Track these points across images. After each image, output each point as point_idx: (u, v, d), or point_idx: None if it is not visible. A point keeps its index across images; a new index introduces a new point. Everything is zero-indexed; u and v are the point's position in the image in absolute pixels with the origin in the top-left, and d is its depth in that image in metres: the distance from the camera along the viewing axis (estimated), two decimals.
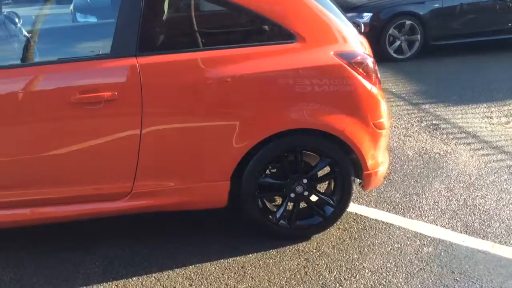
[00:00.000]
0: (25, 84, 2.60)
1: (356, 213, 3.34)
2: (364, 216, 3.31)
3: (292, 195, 2.96)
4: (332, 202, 3.03)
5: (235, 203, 2.93)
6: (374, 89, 2.90)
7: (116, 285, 2.63)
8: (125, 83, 2.62)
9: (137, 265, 2.80)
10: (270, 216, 2.99)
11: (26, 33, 3.03)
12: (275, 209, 3.02)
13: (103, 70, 2.63)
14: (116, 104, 2.62)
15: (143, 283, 2.65)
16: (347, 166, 2.96)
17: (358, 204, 3.47)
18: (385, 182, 3.76)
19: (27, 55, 2.92)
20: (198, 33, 2.87)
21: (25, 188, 2.70)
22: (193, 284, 2.64)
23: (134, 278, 2.69)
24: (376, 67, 2.96)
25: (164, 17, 2.78)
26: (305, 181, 2.95)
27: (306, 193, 2.98)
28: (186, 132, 2.75)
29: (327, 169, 3.03)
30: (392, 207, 3.42)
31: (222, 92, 2.71)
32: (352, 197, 3.10)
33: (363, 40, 3.11)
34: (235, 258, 2.86)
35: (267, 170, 2.99)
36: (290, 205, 3.04)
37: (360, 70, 2.83)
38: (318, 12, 2.85)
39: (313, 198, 3.05)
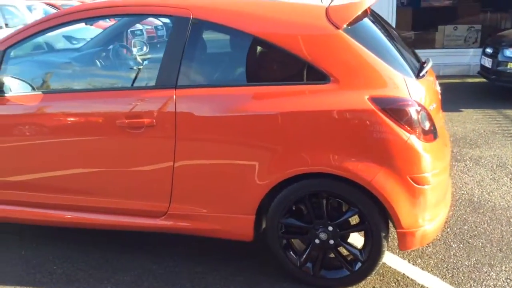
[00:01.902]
0: (87, 107, 3.02)
1: (402, 273, 3.02)
2: (410, 279, 2.97)
3: (317, 241, 2.83)
4: (360, 257, 2.81)
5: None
6: (414, 140, 2.62)
7: None
8: (162, 112, 2.85)
9: (164, 282, 2.99)
10: (294, 259, 2.91)
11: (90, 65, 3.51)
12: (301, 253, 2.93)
13: (147, 99, 2.91)
14: (154, 130, 2.87)
15: None
16: (377, 221, 2.72)
17: (411, 262, 3.13)
18: (461, 244, 3.30)
19: (91, 82, 3.37)
20: (231, 71, 2.98)
21: (78, 194, 3.13)
22: None
23: None
24: (426, 117, 2.68)
25: (202, 55, 2.94)
26: (330, 228, 2.81)
27: (331, 241, 2.82)
28: (214, 163, 2.86)
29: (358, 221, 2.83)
30: (451, 275, 3.00)
31: (247, 128, 2.76)
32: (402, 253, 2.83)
33: (424, 86, 2.82)
34: None
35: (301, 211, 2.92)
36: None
37: (396, 118, 2.60)
38: (357, 53, 2.70)
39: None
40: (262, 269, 3.07)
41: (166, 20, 3.02)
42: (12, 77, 3.11)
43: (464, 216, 3.71)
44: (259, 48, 2.86)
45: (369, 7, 3.22)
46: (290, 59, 2.76)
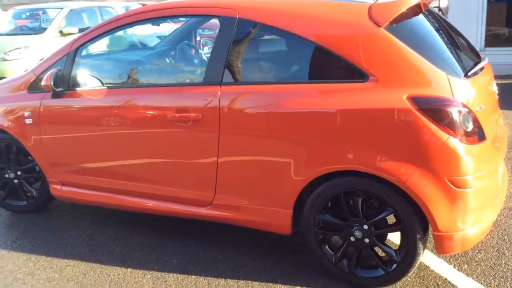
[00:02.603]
0: (144, 101, 3.27)
1: (444, 277, 2.94)
2: (451, 284, 2.88)
3: (352, 239, 2.85)
4: (395, 257, 2.78)
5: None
6: (454, 141, 2.54)
7: (176, 277, 3.06)
8: (207, 107, 3.01)
9: (207, 267, 3.17)
10: (330, 255, 2.94)
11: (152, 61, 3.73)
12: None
13: (195, 94, 3.08)
14: (200, 124, 3.04)
15: (197, 283, 3.01)
16: (412, 222, 2.67)
17: (456, 267, 3.02)
18: None
19: (150, 79, 3.61)
20: (272, 69, 3.05)
21: (136, 181, 3.39)
22: None
23: (193, 277, 3.07)
24: (470, 118, 2.58)
25: (246, 54, 3.04)
26: (365, 227, 2.80)
27: (366, 240, 2.82)
28: (254, 156, 2.97)
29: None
30: (497, 284, 2.86)
31: (285, 124, 2.83)
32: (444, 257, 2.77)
33: (473, 85, 2.72)
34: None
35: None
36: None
37: (434, 118, 2.54)
38: (398, 51, 2.66)
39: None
40: (300, 263, 3.14)
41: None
42: (83, 73, 3.45)
43: None
44: (300, 46, 2.90)
45: (424, 4, 3.15)
46: (329, 57, 2.78)
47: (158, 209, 3.39)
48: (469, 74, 2.80)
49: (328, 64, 2.84)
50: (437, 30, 3.23)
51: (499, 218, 3.57)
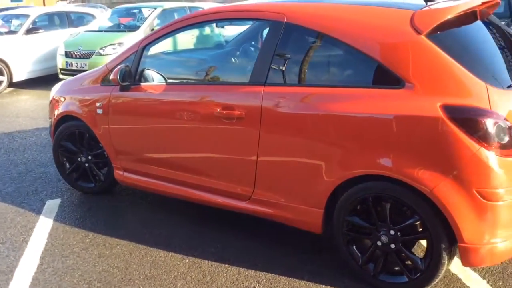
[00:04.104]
0: (196, 97, 3.50)
1: None
2: None
3: (379, 243, 2.87)
4: (420, 265, 2.77)
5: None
6: (486, 153, 2.49)
7: (211, 264, 3.25)
8: (250, 105, 3.17)
9: (241, 258, 3.33)
10: (357, 257, 2.98)
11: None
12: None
13: (240, 93, 3.25)
14: (243, 121, 3.20)
15: (228, 272, 3.18)
16: (437, 231, 2.65)
17: (490, 283, 2.92)
18: None
19: (204, 76, 3.83)
20: (312, 71, 3.12)
21: (187, 172, 3.63)
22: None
23: (226, 265, 3.24)
24: (506, 130, 2.51)
25: (290, 56, 3.14)
26: (392, 232, 2.81)
27: (393, 245, 2.83)
28: (289, 155, 3.08)
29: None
30: None
31: (320, 126, 2.92)
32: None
33: None
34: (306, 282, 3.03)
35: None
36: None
37: (466, 128, 2.50)
38: (437, 59, 2.65)
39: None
40: (329, 264, 3.20)
41: None
42: (147, 69, 3.75)
43: None
44: (340, 50, 2.96)
45: (481, 12, 3.09)
46: (368, 61, 2.83)
47: (204, 199, 3.59)
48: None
49: (366, 69, 2.88)
50: (491, 40, 3.15)
51: None
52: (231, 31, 9.65)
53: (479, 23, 3.12)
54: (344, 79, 2.97)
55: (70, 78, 4.72)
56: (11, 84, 10.08)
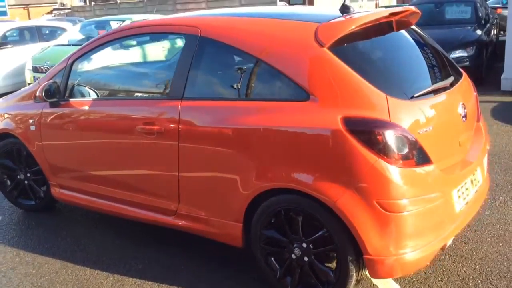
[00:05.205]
0: (118, 112, 3.49)
1: None
2: None
3: (293, 256, 2.85)
4: (332, 278, 2.75)
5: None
6: (384, 164, 2.49)
7: (134, 282, 3.23)
8: (169, 119, 3.16)
9: (166, 275, 3.31)
10: (275, 270, 2.96)
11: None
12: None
13: (159, 108, 3.24)
14: (163, 136, 3.19)
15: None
16: (344, 243, 2.64)
17: None
18: (481, 285, 2.95)
19: (125, 91, 3.83)
20: (224, 85, 3.12)
21: (113, 187, 3.62)
22: None
23: (150, 283, 3.22)
24: (405, 141, 2.52)
25: (204, 70, 3.15)
26: (304, 245, 2.80)
27: (306, 258, 2.81)
28: (206, 169, 3.07)
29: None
30: None
31: (230, 139, 2.91)
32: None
33: (419, 108, 2.66)
34: None
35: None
36: None
37: (364, 140, 2.50)
38: (339, 72, 2.65)
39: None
40: (252, 278, 3.18)
41: None
42: (77, 85, 3.75)
43: (497, 254, 3.28)
44: (251, 64, 2.95)
45: (396, 21, 3.10)
46: (277, 75, 2.82)
47: (136, 216, 3.56)
48: (418, 95, 2.73)
49: (275, 82, 2.88)
50: (405, 51, 3.17)
51: (473, 247, 3.38)
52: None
53: (396, 34, 3.14)
54: (255, 92, 2.96)
55: (10, 95, 4.70)
56: None
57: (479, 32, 9.56)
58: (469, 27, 9.72)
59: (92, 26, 11.34)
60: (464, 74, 3.41)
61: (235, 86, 2.97)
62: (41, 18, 26.97)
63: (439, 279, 3.06)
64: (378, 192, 2.53)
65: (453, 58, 8.75)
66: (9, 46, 10.65)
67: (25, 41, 11.51)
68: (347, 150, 2.54)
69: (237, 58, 3.13)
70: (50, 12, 38.97)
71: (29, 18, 36.29)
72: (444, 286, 2.99)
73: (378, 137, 2.50)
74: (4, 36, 10.93)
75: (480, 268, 3.14)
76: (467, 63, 8.84)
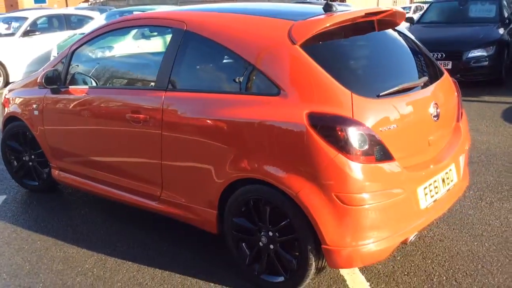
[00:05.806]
0: (110, 100, 3.67)
1: None
2: None
3: (261, 244, 2.98)
4: (293, 265, 2.87)
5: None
6: (342, 159, 2.58)
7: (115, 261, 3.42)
8: (154, 109, 3.31)
9: (147, 256, 3.48)
10: (244, 257, 3.09)
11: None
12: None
13: (146, 98, 3.40)
14: (148, 124, 3.35)
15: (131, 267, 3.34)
16: (305, 233, 2.75)
17: (372, 285, 3.00)
18: (446, 281, 3.01)
19: (120, 80, 3.99)
20: (205, 78, 3.25)
21: (105, 171, 3.81)
22: None
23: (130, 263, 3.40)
24: (366, 137, 2.61)
25: (187, 64, 3.28)
26: (270, 233, 2.92)
27: (271, 246, 2.93)
28: (186, 157, 3.22)
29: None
30: None
31: (207, 130, 3.04)
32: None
33: (386, 106, 2.74)
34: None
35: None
36: None
37: (324, 135, 2.60)
38: (308, 69, 2.74)
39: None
40: (225, 264, 3.31)
41: None
42: (77, 72, 3.95)
43: (469, 253, 3.32)
44: (230, 58, 3.08)
45: (378, 21, 3.17)
46: (252, 70, 2.93)
47: (125, 199, 3.74)
48: (385, 94, 2.80)
49: (250, 76, 2.98)
50: (379, 50, 3.24)
51: (448, 245, 3.43)
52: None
53: (376, 33, 3.20)
54: (231, 85, 3.08)
55: (20, 80, 4.95)
56: (7, 84, 10.46)
57: (501, 31, 9.41)
58: (492, 26, 9.57)
59: (117, 15, 11.62)
60: (446, 74, 3.45)
61: (214, 79, 3.10)
62: (79, 6, 27.61)
63: (405, 273, 3.13)
64: (336, 185, 2.62)
65: (472, 57, 8.82)
66: (37, 33, 11.04)
67: (53, 28, 11.90)
68: (309, 144, 2.64)
69: (217, 53, 3.25)
70: (87, 1, 39.80)
71: (67, 6, 37.22)
72: (409, 280, 3.06)
73: (339, 133, 2.59)
74: (34, 23, 11.33)
75: (449, 266, 3.19)
76: (486, 62, 8.74)
